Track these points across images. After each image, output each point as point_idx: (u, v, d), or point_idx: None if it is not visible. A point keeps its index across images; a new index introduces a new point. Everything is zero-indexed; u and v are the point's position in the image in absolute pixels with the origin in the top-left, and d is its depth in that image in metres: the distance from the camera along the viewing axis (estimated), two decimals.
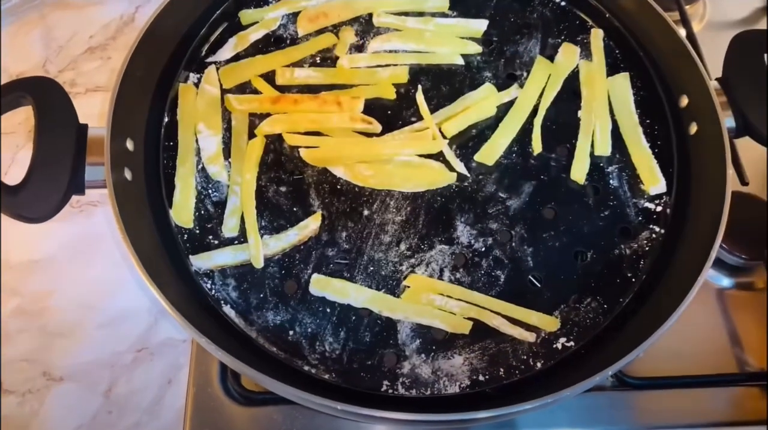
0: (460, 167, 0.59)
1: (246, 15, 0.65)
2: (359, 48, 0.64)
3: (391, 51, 0.64)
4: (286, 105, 0.60)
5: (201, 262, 0.55)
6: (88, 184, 0.52)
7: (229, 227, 0.56)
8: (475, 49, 0.64)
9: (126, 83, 0.55)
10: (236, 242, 0.56)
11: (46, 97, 0.53)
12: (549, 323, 0.53)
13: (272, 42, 0.65)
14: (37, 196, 0.50)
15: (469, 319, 0.53)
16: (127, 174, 0.54)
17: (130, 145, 0.55)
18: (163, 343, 0.66)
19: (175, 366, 0.65)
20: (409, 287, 0.54)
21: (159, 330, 0.66)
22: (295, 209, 0.57)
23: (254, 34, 0.64)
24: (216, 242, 0.56)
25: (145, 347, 0.66)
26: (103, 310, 0.67)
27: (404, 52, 0.64)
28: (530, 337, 0.53)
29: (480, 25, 0.65)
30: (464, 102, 0.61)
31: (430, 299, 0.54)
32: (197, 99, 0.61)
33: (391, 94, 0.61)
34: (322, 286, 0.54)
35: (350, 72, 0.62)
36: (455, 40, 0.64)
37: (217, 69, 0.62)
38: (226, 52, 0.64)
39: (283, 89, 0.62)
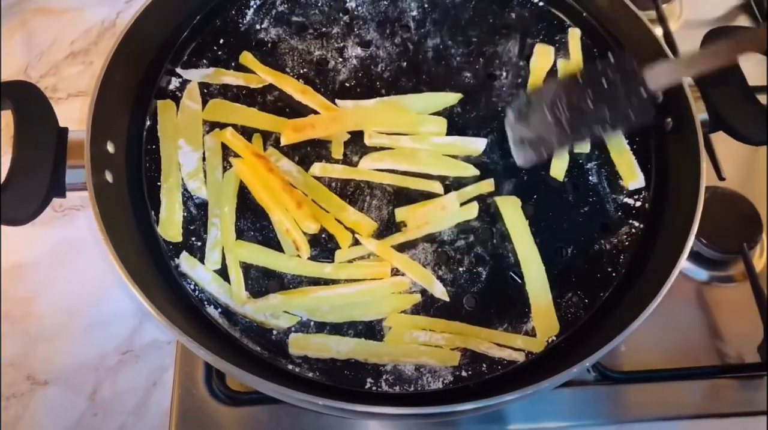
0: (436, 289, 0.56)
1: (246, 58, 0.64)
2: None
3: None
4: (263, 163, 0.57)
5: (186, 265, 0.55)
6: (68, 186, 0.53)
7: (213, 261, 0.55)
8: (473, 172, 0.59)
9: (106, 86, 0.55)
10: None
11: (25, 101, 0.53)
12: (534, 344, 0.53)
13: (245, 94, 0.62)
14: (18, 199, 0.50)
15: (456, 349, 0.53)
16: (108, 177, 0.54)
17: (110, 148, 0.55)
18: (148, 345, 0.66)
19: (160, 368, 0.65)
20: (390, 327, 0.53)
21: (144, 333, 0.66)
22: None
23: (231, 79, 0.63)
24: (199, 243, 0.56)
25: (129, 349, 0.66)
26: (88, 313, 0.67)
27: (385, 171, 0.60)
28: (519, 357, 0.53)
29: (479, 145, 0.60)
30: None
31: (414, 337, 0.53)
32: (179, 114, 0.61)
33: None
34: (301, 346, 0.52)
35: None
36: (451, 163, 0.60)
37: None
38: (196, 73, 0.63)
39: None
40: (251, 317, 0.53)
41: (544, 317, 0.54)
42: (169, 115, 0.60)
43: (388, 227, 0.57)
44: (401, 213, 0.57)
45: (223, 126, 0.60)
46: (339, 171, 0.59)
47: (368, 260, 0.56)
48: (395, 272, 0.55)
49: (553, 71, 0.65)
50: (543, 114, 0.56)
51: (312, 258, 0.55)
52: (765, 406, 0.64)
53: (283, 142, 0.59)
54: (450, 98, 0.63)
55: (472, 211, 0.57)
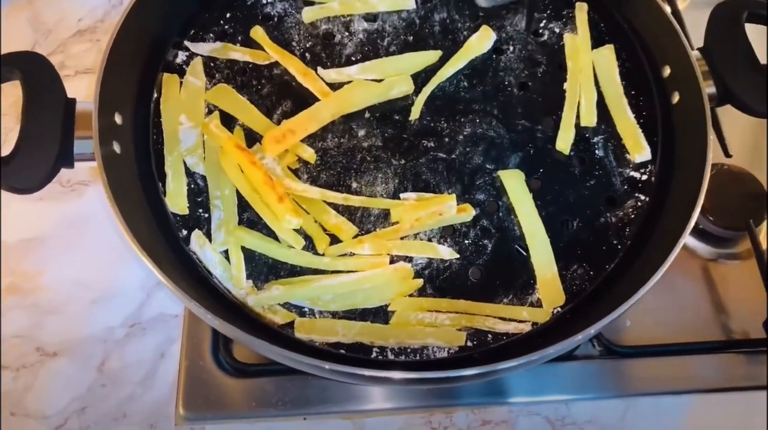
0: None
1: (257, 32, 0.64)
2: None
3: None
4: (245, 159, 0.56)
5: (196, 243, 0.55)
6: (77, 157, 0.53)
7: (219, 242, 0.55)
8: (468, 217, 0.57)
9: (114, 58, 0.55)
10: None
11: (33, 72, 0.53)
12: (540, 314, 0.54)
13: (251, 68, 0.63)
14: (27, 167, 0.50)
15: (462, 329, 0.53)
16: (116, 147, 0.54)
17: (118, 119, 0.56)
18: (156, 318, 0.66)
19: (167, 340, 0.65)
20: (395, 311, 0.53)
21: (151, 306, 0.67)
22: None
23: (239, 55, 0.63)
24: (206, 214, 0.56)
25: (137, 322, 0.66)
26: (96, 287, 0.68)
27: None
28: (525, 327, 0.53)
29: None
30: None
31: (420, 319, 0.53)
32: (181, 90, 0.61)
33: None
34: (307, 329, 0.52)
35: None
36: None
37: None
38: (205, 47, 0.63)
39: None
40: (251, 307, 0.53)
41: (549, 288, 0.54)
42: (172, 90, 0.60)
43: (395, 198, 0.57)
44: (396, 213, 0.56)
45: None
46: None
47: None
48: (393, 259, 0.55)
49: (560, 45, 0.64)
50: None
51: (308, 248, 0.55)
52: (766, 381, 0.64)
53: (266, 153, 0.57)
54: (430, 56, 0.63)
55: (468, 214, 0.57)
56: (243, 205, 0.56)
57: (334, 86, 0.62)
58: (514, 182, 0.58)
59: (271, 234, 0.56)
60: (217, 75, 0.62)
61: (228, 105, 0.60)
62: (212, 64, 0.63)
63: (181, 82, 0.61)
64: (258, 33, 0.63)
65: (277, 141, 0.57)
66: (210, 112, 0.60)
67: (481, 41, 0.64)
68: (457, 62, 0.63)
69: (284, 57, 0.62)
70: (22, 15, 0.86)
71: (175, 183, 0.57)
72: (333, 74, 0.62)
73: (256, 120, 0.60)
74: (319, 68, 0.62)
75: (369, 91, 0.61)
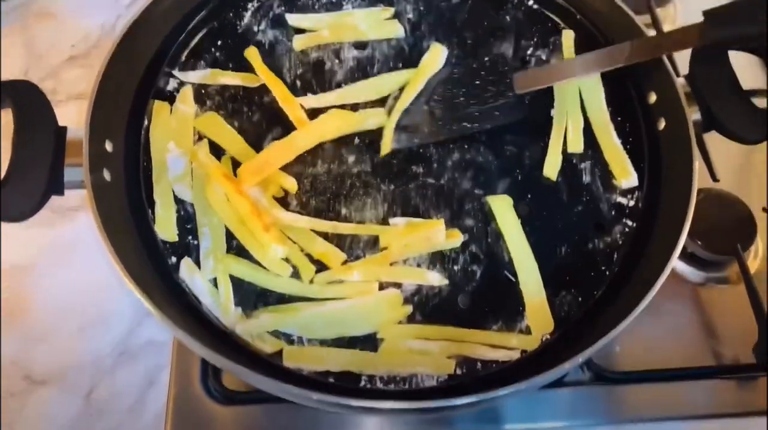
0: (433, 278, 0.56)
1: (251, 53, 0.64)
2: None
3: None
4: (232, 188, 0.55)
5: (186, 271, 0.55)
6: (67, 184, 0.53)
7: (208, 270, 0.55)
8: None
9: (105, 86, 0.55)
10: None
11: (24, 100, 0.53)
12: (529, 342, 0.53)
13: (242, 96, 0.63)
14: (17, 195, 0.50)
15: (451, 357, 0.53)
16: (107, 175, 0.55)
17: (109, 146, 0.56)
18: (145, 345, 0.66)
19: (156, 368, 0.65)
20: (383, 339, 0.53)
21: (141, 332, 0.67)
22: None
23: (229, 79, 0.63)
24: (195, 241, 0.56)
25: (126, 349, 0.66)
26: (85, 313, 0.68)
27: None
28: (515, 355, 0.53)
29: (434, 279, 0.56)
30: None
31: (409, 347, 0.53)
32: (171, 117, 0.61)
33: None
34: (295, 358, 0.52)
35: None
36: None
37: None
38: (193, 75, 0.63)
39: None
40: (239, 335, 0.53)
41: (538, 315, 0.54)
42: (162, 117, 0.61)
43: (384, 223, 0.58)
44: (385, 239, 0.56)
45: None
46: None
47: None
48: (382, 286, 0.55)
49: None
50: (420, 104, 0.59)
51: (297, 276, 0.55)
52: (760, 406, 0.64)
53: (246, 186, 0.57)
54: (405, 76, 0.63)
55: (457, 240, 0.57)
56: (231, 233, 0.56)
57: (317, 113, 0.62)
58: (502, 208, 0.58)
59: (259, 261, 0.56)
60: (207, 102, 0.63)
61: (215, 134, 0.60)
62: (203, 91, 0.63)
63: (172, 110, 0.61)
64: (252, 53, 0.64)
65: (253, 172, 0.57)
66: (200, 139, 0.61)
67: (434, 58, 0.64)
68: (416, 84, 0.63)
69: (270, 79, 0.63)
70: (16, 40, 0.87)
71: (163, 210, 0.57)
72: (313, 101, 0.63)
73: (241, 151, 0.60)
74: (301, 99, 0.63)
75: (345, 120, 0.61)
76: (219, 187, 0.56)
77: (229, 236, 0.56)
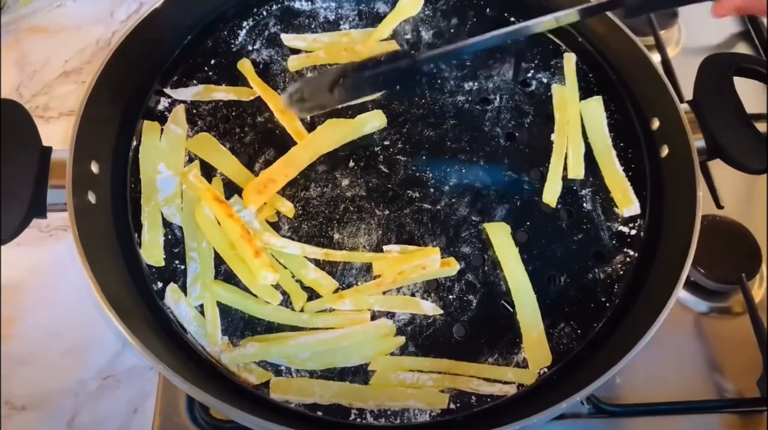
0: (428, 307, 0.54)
1: (244, 65, 0.64)
2: None
3: None
4: (222, 211, 0.54)
5: (171, 297, 0.53)
6: (50, 207, 0.51)
7: (194, 296, 0.53)
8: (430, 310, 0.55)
9: (92, 105, 0.54)
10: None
11: (8, 119, 0.52)
12: (525, 376, 0.52)
13: (235, 115, 0.62)
14: None
15: (444, 390, 0.51)
16: (91, 197, 0.53)
17: (95, 168, 0.54)
18: (130, 370, 0.64)
19: (141, 394, 0.63)
20: (374, 371, 0.51)
21: (126, 357, 0.64)
22: None
23: (222, 94, 0.62)
24: (182, 266, 0.55)
25: (111, 374, 0.64)
26: (69, 337, 0.65)
27: None
28: (510, 389, 0.51)
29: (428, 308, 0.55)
30: None
31: (401, 379, 0.51)
32: (162, 138, 0.60)
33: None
34: (282, 390, 0.50)
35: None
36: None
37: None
38: (186, 92, 0.62)
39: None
40: (225, 365, 0.51)
41: (535, 348, 0.52)
42: (152, 138, 0.59)
43: (378, 250, 0.56)
44: (378, 266, 0.55)
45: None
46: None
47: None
48: (375, 315, 0.54)
49: (548, 96, 0.64)
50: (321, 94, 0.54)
51: (286, 304, 0.54)
52: None
53: (247, 205, 0.56)
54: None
55: (453, 268, 0.55)
56: (220, 258, 0.55)
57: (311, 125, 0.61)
58: (500, 235, 0.57)
59: (248, 288, 0.54)
60: (199, 122, 0.61)
61: (208, 154, 0.59)
62: (194, 111, 0.62)
63: (162, 130, 0.60)
64: (245, 66, 0.63)
65: (259, 192, 0.56)
66: (191, 160, 0.59)
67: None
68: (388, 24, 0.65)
69: (266, 92, 0.62)
70: (10, 55, 0.85)
71: (151, 234, 0.55)
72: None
73: (235, 171, 0.58)
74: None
75: (343, 128, 0.60)
76: (209, 211, 0.55)
77: (218, 261, 0.55)
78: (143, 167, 0.58)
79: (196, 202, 0.56)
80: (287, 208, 0.57)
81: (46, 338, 0.66)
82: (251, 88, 0.63)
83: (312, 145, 0.59)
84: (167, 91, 0.62)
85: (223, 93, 0.62)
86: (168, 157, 0.58)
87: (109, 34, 0.87)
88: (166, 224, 0.56)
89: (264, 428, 0.43)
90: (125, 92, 0.60)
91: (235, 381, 0.51)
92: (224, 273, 0.54)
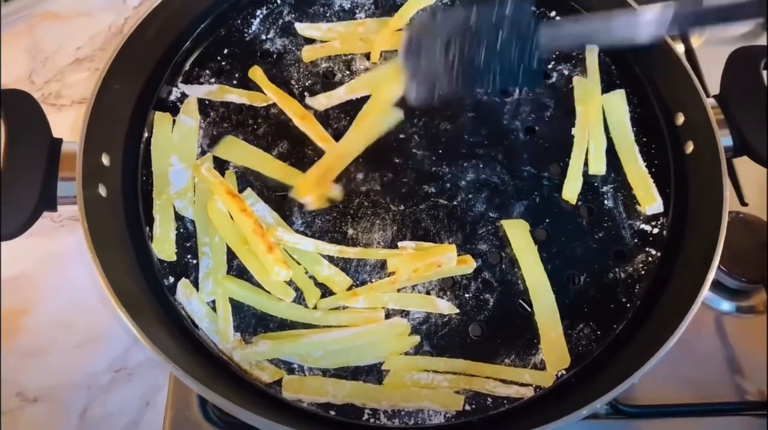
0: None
1: (255, 72, 0.62)
2: None
3: None
4: (235, 205, 0.53)
5: (183, 293, 0.52)
6: (60, 200, 0.51)
7: (206, 292, 0.52)
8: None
9: (103, 96, 0.53)
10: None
11: (17, 110, 0.51)
12: (543, 378, 0.50)
13: (247, 109, 0.60)
14: (6, 212, 0.48)
15: (460, 391, 0.50)
16: (102, 190, 0.52)
17: (106, 160, 0.53)
18: (142, 363, 0.64)
19: (153, 387, 0.62)
20: (389, 371, 0.50)
21: (138, 350, 0.64)
22: None
23: (235, 97, 0.60)
24: (194, 261, 0.54)
25: (123, 367, 0.63)
26: (82, 329, 0.65)
27: None
28: (527, 392, 0.50)
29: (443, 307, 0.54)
30: None
31: (415, 380, 0.50)
32: (174, 130, 0.58)
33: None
34: (295, 389, 0.49)
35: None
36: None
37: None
38: (200, 89, 0.60)
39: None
40: (236, 363, 0.50)
41: (554, 349, 0.51)
42: (164, 129, 0.58)
43: (393, 246, 0.55)
44: (393, 263, 0.53)
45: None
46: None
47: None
48: (389, 313, 0.53)
49: (569, 89, 0.62)
50: (435, 53, 0.49)
51: (299, 301, 0.53)
52: None
53: (304, 196, 0.55)
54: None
55: (469, 266, 0.54)
56: (232, 253, 0.54)
57: (324, 119, 0.60)
58: (518, 233, 0.55)
59: (261, 284, 0.53)
60: (211, 113, 0.60)
61: (240, 158, 0.58)
62: (207, 102, 0.60)
63: (174, 121, 0.59)
64: (256, 73, 0.61)
65: (316, 184, 0.55)
66: (203, 153, 0.58)
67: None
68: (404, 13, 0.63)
69: (282, 99, 0.60)
70: (21, 42, 0.84)
71: (163, 228, 0.54)
72: (323, 99, 0.60)
73: (274, 167, 0.57)
74: (307, 99, 0.61)
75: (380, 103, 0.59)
76: (222, 205, 0.54)
77: (230, 256, 0.54)
78: (155, 160, 0.57)
79: (208, 195, 0.55)
80: (336, 192, 0.56)
81: (57, 329, 0.65)
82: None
83: (362, 129, 0.58)
84: (180, 86, 0.60)
85: (236, 96, 0.60)
86: (180, 149, 0.57)
87: (121, 21, 0.86)
88: (178, 217, 0.55)
89: (271, 428, 0.42)
90: (137, 81, 0.59)
91: (246, 379, 0.50)
92: (237, 268, 0.54)
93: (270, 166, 0.57)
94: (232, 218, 0.54)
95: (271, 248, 0.52)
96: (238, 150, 0.58)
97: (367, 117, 0.59)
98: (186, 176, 0.56)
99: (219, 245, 0.54)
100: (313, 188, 0.56)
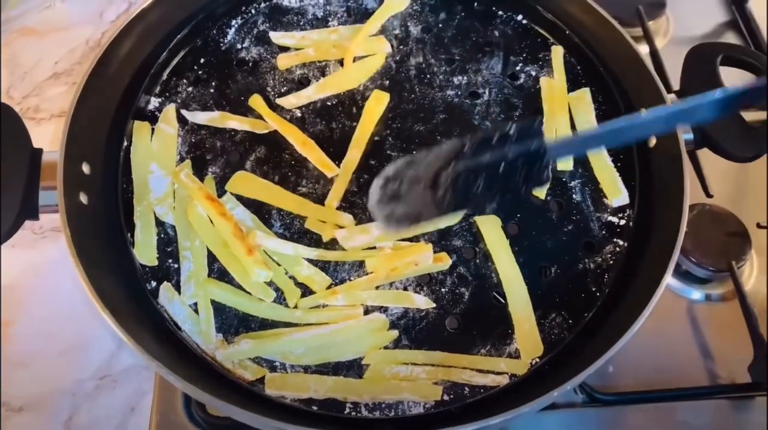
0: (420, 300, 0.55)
1: (255, 101, 0.62)
2: None
3: None
4: (215, 209, 0.54)
5: (165, 296, 0.53)
6: (41, 208, 0.52)
7: (188, 295, 0.53)
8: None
9: (82, 107, 0.54)
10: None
11: None
12: (518, 366, 0.52)
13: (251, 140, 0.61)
14: None
15: (438, 382, 0.51)
16: (83, 198, 0.53)
17: (86, 168, 0.55)
18: (127, 370, 0.65)
19: (138, 393, 0.63)
20: (369, 365, 0.52)
21: (122, 357, 0.65)
22: None
23: (236, 124, 0.61)
24: (176, 265, 0.55)
25: (107, 374, 0.64)
26: (65, 337, 0.66)
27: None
28: (503, 380, 0.52)
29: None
30: None
31: (395, 373, 0.51)
32: (153, 138, 0.60)
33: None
34: (277, 385, 0.50)
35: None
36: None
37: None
38: (202, 116, 0.61)
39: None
40: (220, 362, 0.51)
41: (527, 338, 0.53)
42: (143, 138, 0.59)
43: (371, 246, 0.56)
44: (371, 263, 0.55)
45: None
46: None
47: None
48: (368, 309, 0.54)
49: (537, 89, 0.64)
50: (418, 191, 0.45)
51: (280, 301, 0.54)
52: (756, 428, 0.62)
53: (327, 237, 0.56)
54: (378, 59, 0.64)
55: (445, 263, 0.56)
56: (213, 256, 0.55)
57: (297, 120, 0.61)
58: (490, 229, 0.57)
59: (242, 285, 0.54)
60: (189, 121, 0.61)
61: (253, 191, 0.58)
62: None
63: (153, 130, 0.60)
64: (257, 101, 0.62)
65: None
66: (182, 160, 0.59)
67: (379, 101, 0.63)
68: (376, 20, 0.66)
69: (283, 126, 0.61)
70: None
71: (144, 234, 0.55)
72: (292, 99, 0.62)
73: (288, 201, 0.58)
74: (277, 100, 0.62)
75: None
76: (202, 209, 0.55)
77: (211, 259, 0.55)
78: (135, 167, 0.58)
79: (188, 201, 0.56)
80: (348, 221, 0.57)
81: (42, 339, 0.66)
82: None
83: (359, 150, 0.60)
84: (184, 113, 0.61)
85: (237, 122, 0.61)
86: (159, 157, 0.59)
87: (98, 35, 0.87)
88: (159, 223, 0.56)
89: (260, 424, 0.44)
90: (116, 92, 0.60)
91: (230, 378, 0.51)
92: (218, 271, 0.55)
93: (286, 200, 0.58)
94: (212, 222, 0.55)
95: (251, 251, 0.53)
96: (251, 185, 0.58)
97: (362, 137, 0.61)
98: (166, 183, 0.57)
99: (199, 249, 0.55)
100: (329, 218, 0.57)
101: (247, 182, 0.58)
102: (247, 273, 0.53)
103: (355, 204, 0.58)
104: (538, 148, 0.43)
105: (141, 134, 0.59)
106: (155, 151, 0.59)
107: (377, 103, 0.62)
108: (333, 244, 0.56)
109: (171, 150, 0.59)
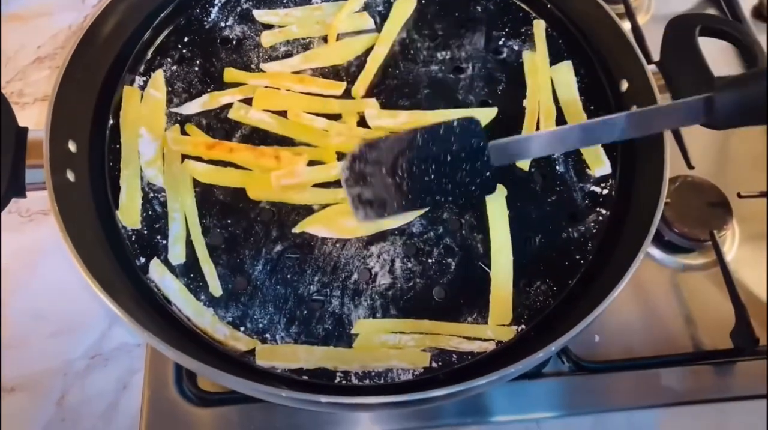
0: None
1: (230, 73, 0.62)
2: None
3: None
4: (221, 152, 0.57)
5: (156, 271, 0.54)
6: (28, 186, 0.52)
7: (175, 255, 0.54)
8: None
9: (66, 85, 0.54)
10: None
11: None
12: (504, 333, 0.53)
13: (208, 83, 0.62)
14: None
15: (426, 350, 0.52)
16: (70, 176, 0.53)
17: (72, 146, 0.55)
18: (117, 348, 0.65)
19: (129, 371, 0.64)
20: (357, 334, 0.53)
21: (113, 336, 0.65)
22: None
23: (228, 98, 0.61)
24: (164, 241, 0.55)
25: (98, 353, 0.65)
26: (55, 318, 0.66)
27: None
28: (490, 346, 0.53)
29: None
30: None
31: (383, 341, 0.52)
32: (142, 103, 0.60)
33: (332, 160, 0.58)
34: (268, 356, 0.51)
35: (303, 128, 0.59)
36: None
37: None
38: (194, 105, 0.61)
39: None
40: (211, 334, 0.52)
41: (500, 304, 0.54)
42: (133, 103, 0.60)
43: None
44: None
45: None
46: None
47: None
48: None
49: (520, 63, 0.65)
50: (381, 175, 0.47)
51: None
52: (738, 391, 0.64)
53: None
54: (368, 40, 0.65)
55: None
56: (202, 214, 0.56)
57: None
58: (495, 195, 0.57)
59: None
60: (177, 84, 0.62)
61: (277, 104, 0.61)
62: (173, 75, 0.62)
63: (143, 96, 0.61)
64: (232, 74, 0.63)
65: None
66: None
67: (405, 5, 0.66)
68: (390, 34, 0.65)
69: (273, 77, 0.62)
70: None
71: (128, 197, 0.56)
72: (276, 66, 0.63)
73: (313, 103, 0.61)
74: (262, 64, 0.63)
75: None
76: (200, 166, 0.57)
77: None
78: (124, 131, 0.59)
79: (179, 160, 0.57)
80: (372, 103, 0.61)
81: (32, 321, 0.66)
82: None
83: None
84: (175, 109, 0.61)
85: (228, 97, 0.61)
86: (148, 121, 0.59)
87: (81, 19, 0.87)
88: (147, 200, 0.57)
89: (248, 388, 0.44)
90: (100, 71, 0.60)
91: (221, 349, 0.52)
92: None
93: (310, 103, 0.61)
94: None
95: (278, 157, 0.56)
96: (274, 98, 0.61)
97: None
98: (154, 146, 0.58)
99: (191, 208, 0.56)
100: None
101: (271, 97, 0.61)
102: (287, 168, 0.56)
103: None
104: (479, 146, 0.47)
105: (131, 100, 0.60)
106: (145, 114, 0.59)
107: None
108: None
109: (160, 114, 0.60)
